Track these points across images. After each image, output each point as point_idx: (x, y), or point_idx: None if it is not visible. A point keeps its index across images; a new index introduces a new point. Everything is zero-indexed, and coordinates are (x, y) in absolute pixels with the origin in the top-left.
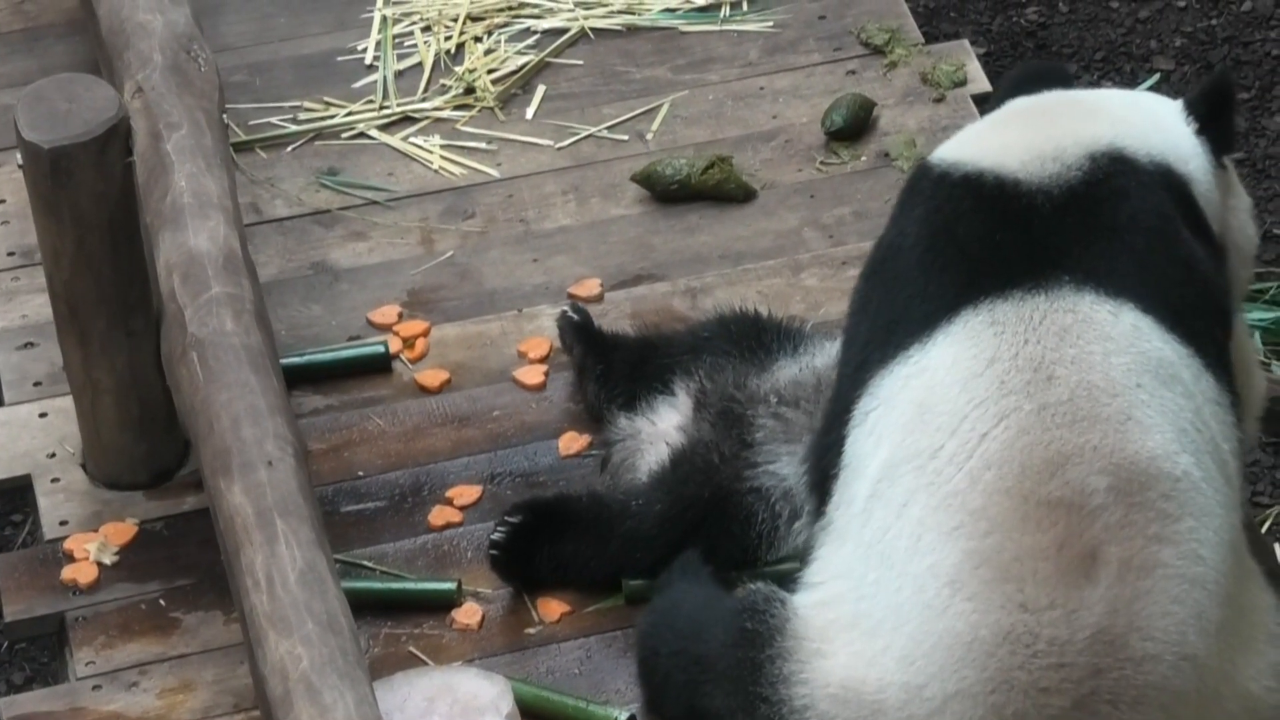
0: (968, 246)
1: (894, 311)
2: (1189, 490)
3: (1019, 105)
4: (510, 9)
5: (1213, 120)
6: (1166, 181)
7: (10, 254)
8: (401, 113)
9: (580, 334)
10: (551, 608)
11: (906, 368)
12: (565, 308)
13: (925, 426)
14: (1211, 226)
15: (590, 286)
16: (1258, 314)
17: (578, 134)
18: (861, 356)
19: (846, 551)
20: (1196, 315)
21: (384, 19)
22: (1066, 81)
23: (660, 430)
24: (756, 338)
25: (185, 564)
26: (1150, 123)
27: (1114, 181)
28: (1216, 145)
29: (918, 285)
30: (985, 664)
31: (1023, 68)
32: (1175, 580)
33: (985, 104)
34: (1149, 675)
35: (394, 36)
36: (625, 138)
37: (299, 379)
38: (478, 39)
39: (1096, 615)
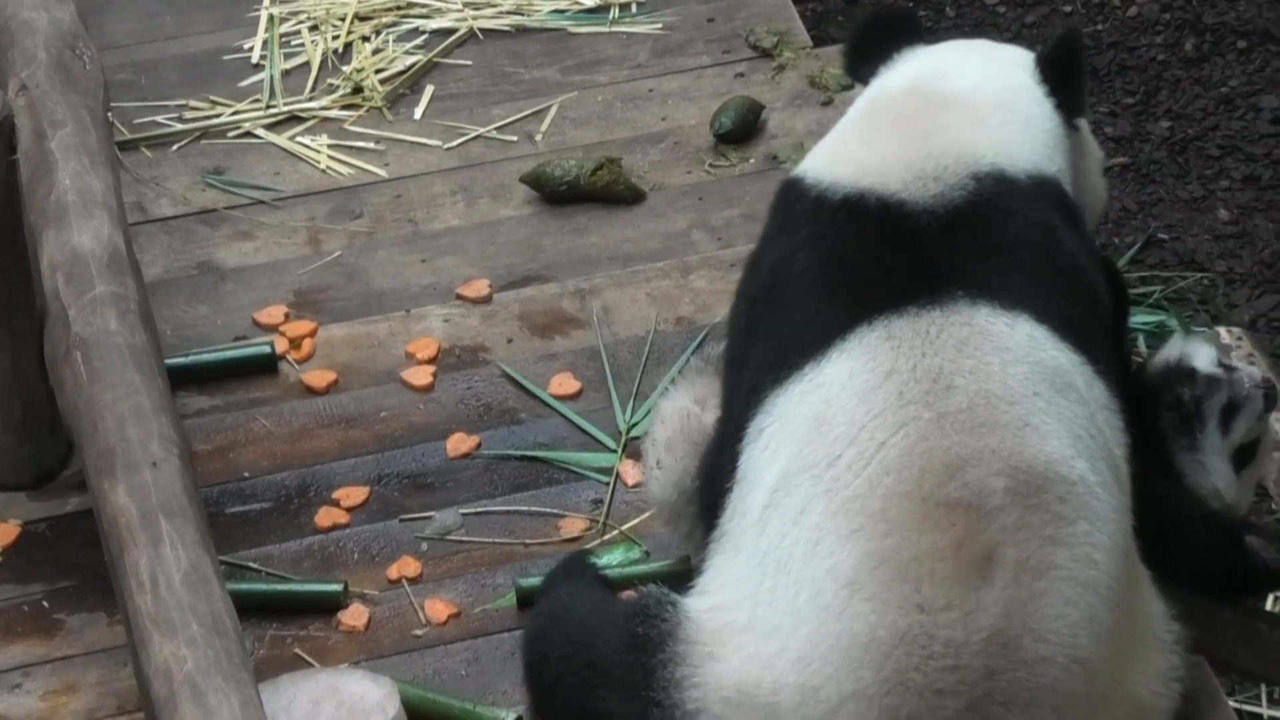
0: (858, 268)
1: (786, 335)
2: (1084, 495)
3: (884, 105)
4: (398, 9)
5: (1063, 85)
6: (1043, 190)
7: None
8: (288, 112)
9: None
10: (438, 610)
11: (801, 385)
12: None
13: (822, 438)
14: (1085, 219)
15: (479, 287)
16: (1141, 318)
17: (466, 134)
18: (755, 380)
19: (741, 560)
20: (1086, 323)
21: (271, 18)
22: (915, 30)
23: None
24: None
25: (68, 565)
26: (1019, 121)
27: (998, 201)
28: (1069, 110)
29: (810, 309)
30: (881, 665)
31: (868, 20)
32: (1069, 583)
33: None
34: (1041, 678)
35: (281, 35)
36: (514, 139)
37: (184, 379)
38: (366, 38)
39: (992, 617)
